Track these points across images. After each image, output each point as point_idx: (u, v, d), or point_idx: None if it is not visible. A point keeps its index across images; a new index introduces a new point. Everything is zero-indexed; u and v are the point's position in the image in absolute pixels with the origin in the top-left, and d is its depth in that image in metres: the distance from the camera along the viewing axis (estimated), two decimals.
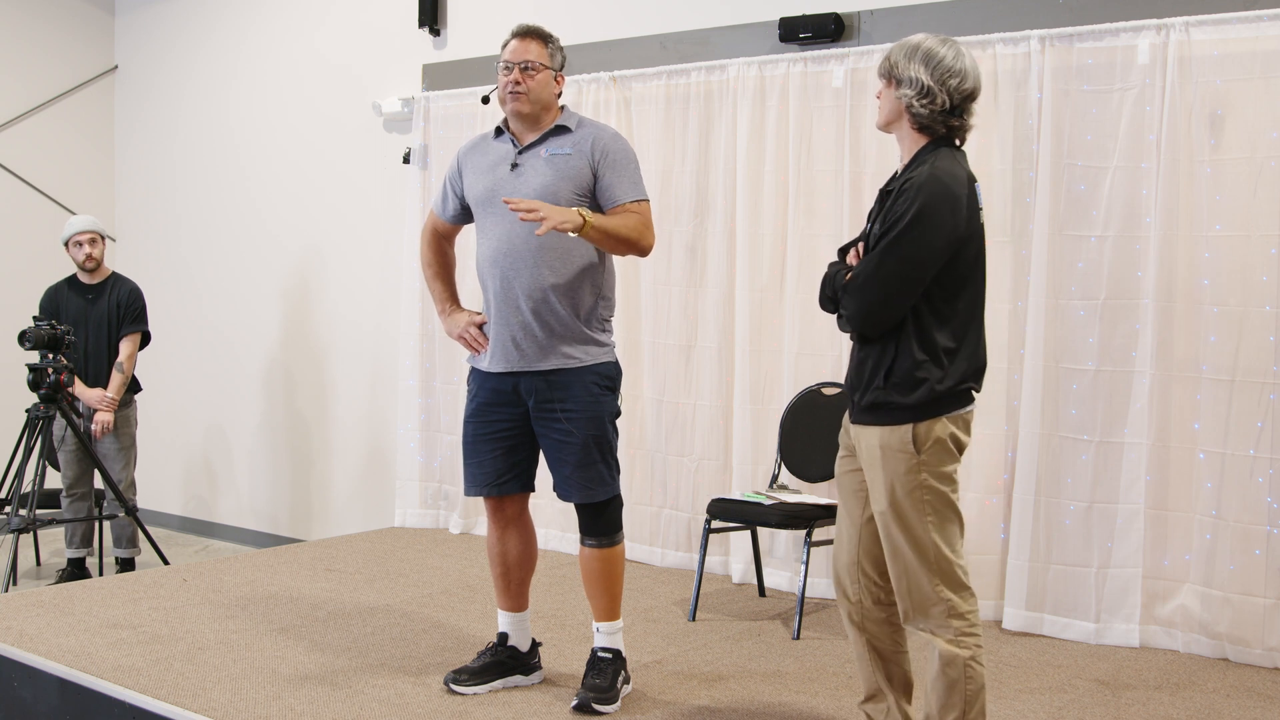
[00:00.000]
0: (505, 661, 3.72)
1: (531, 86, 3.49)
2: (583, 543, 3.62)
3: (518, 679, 3.73)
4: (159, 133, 7.78)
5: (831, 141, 4.97)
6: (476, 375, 3.66)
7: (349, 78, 6.75)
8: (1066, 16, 4.49)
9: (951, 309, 2.88)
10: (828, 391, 4.87)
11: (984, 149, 4.53)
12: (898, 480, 2.87)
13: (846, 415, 3.05)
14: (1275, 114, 4.10)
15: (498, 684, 3.68)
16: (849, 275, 2.93)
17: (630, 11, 5.71)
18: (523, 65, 3.48)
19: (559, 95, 3.61)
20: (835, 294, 2.97)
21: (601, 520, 3.57)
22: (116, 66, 7.99)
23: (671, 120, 5.43)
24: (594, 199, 3.51)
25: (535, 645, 3.80)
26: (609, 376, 3.58)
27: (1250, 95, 4.14)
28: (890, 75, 2.93)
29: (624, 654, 3.68)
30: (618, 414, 3.61)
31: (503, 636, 3.75)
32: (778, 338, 5.13)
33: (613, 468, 3.58)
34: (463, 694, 3.63)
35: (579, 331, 3.51)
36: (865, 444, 2.95)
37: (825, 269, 3.08)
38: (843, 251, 3.09)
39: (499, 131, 3.63)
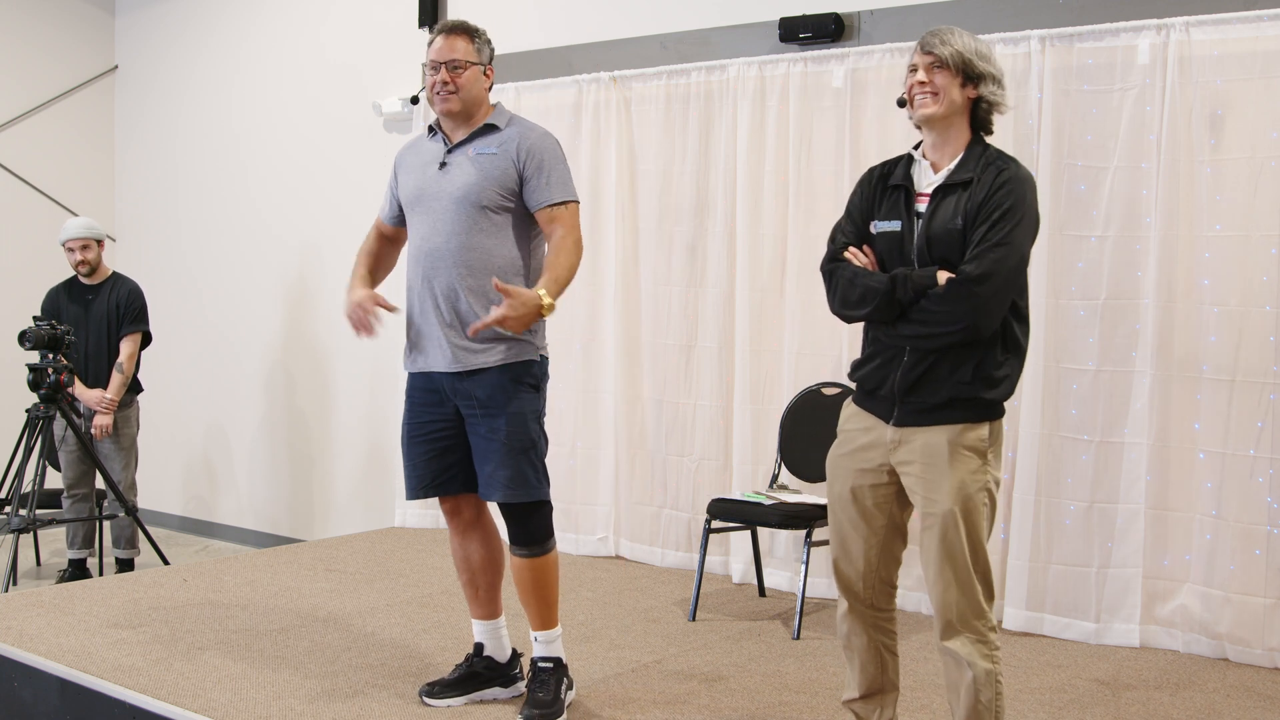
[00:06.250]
0: (482, 673, 3.59)
1: (460, 84, 3.41)
2: (512, 551, 3.46)
3: (496, 691, 3.60)
4: (159, 133, 7.78)
5: (831, 141, 4.97)
6: (408, 376, 3.57)
7: (350, 77, 6.75)
8: (1066, 16, 4.49)
9: (1026, 304, 2.86)
10: (828, 391, 4.87)
11: None
12: (969, 479, 2.78)
13: (872, 433, 2.91)
14: (1275, 114, 4.10)
15: (474, 696, 3.56)
16: (970, 270, 2.72)
17: (630, 11, 5.70)
18: (450, 64, 3.40)
19: (489, 89, 3.52)
20: (916, 298, 2.77)
21: (529, 527, 3.41)
22: (116, 66, 7.99)
23: (671, 120, 5.43)
24: (519, 200, 3.41)
25: (516, 655, 3.66)
26: (531, 374, 3.43)
27: (1250, 95, 4.14)
28: (964, 70, 2.81)
29: (564, 660, 3.53)
30: (541, 413, 3.46)
31: (478, 647, 3.61)
32: (778, 338, 5.12)
33: (538, 469, 3.42)
34: (434, 706, 3.51)
35: (495, 330, 3.28)
36: (924, 442, 2.81)
37: (847, 278, 2.89)
38: (837, 254, 2.95)
39: (432, 130, 3.56)
